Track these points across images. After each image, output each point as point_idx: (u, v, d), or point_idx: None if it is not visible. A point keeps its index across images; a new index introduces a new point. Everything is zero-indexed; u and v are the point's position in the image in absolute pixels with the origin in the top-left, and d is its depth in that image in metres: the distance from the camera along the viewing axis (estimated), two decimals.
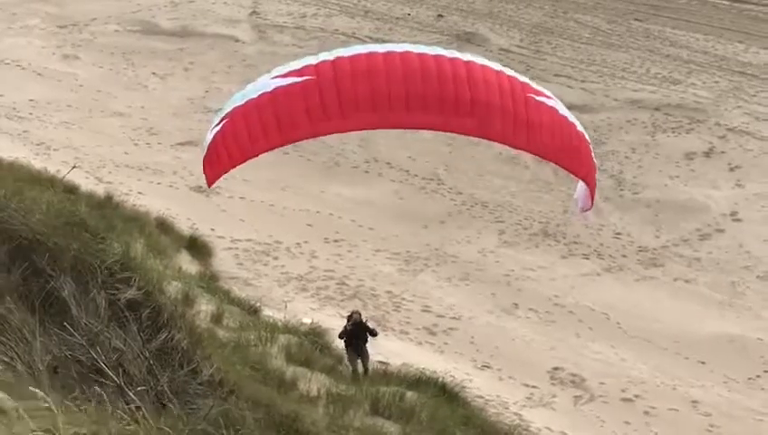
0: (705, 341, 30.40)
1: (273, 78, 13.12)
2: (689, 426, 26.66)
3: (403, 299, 31.54)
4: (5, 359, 8.02)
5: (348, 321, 21.62)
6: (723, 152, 41.71)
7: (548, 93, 14.02)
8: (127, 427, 7.09)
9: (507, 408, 25.29)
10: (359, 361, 21.24)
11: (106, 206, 27.35)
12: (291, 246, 34.32)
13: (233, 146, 13.40)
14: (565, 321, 31.27)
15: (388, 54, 13.00)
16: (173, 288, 18.51)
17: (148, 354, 10.16)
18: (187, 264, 27.07)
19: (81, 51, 50.51)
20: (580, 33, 53.31)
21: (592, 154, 14.86)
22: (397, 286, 32.29)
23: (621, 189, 39.35)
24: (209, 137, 13.56)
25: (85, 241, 11.62)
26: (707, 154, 41.64)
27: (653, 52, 51.15)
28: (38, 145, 40.04)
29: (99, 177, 36.63)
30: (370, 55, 13.05)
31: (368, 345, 21.87)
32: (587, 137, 14.70)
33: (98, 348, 9.53)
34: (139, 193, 35.40)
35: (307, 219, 36.39)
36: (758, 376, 29.05)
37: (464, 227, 36.63)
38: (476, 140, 46.01)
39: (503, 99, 13.12)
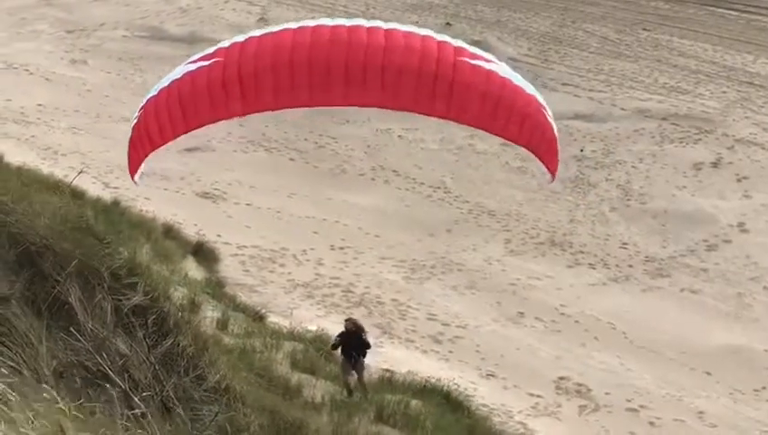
0: (711, 352, 30.33)
1: (186, 64, 12.89)
2: None
3: (409, 307, 31.51)
4: (11, 364, 8.03)
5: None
6: (730, 163, 41.66)
7: (489, 57, 12.87)
8: (133, 432, 7.09)
9: (512, 417, 25.26)
10: (353, 373, 19.35)
11: (113, 211, 27.31)
12: (297, 253, 34.31)
13: (144, 136, 13.12)
14: (571, 330, 31.21)
15: (299, 30, 12.44)
16: (179, 294, 18.51)
17: (153, 360, 10.17)
18: (194, 270, 27.05)
19: (90, 56, 50.67)
20: (588, 42, 53.32)
21: (548, 117, 13.36)
22: (402, 294, 32.26)
23: (628, 199, 39.32)
24: (130, 131, 13.27)
25: (92, 246, 11.64)
26: (715, 165, 41.60)
27: (661, 61, 51.14)
28: (45, 150, 40.12)
29: (106, 182, 36.68)
30: (281, 32, 12.53)
31: (366, 357, 19.81)
32: (540, 100, 13.28)
33: (104, 353, 9.54)
34: (146, 199, 35.34)
35: (313, 226, 36.39)
36: (764, 388, 28.98)
37: (470, 236, 36.59)
38: (482, 148, 45.83)
39: (423, 63, 12.20)
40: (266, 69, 12.20)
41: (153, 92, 13.00)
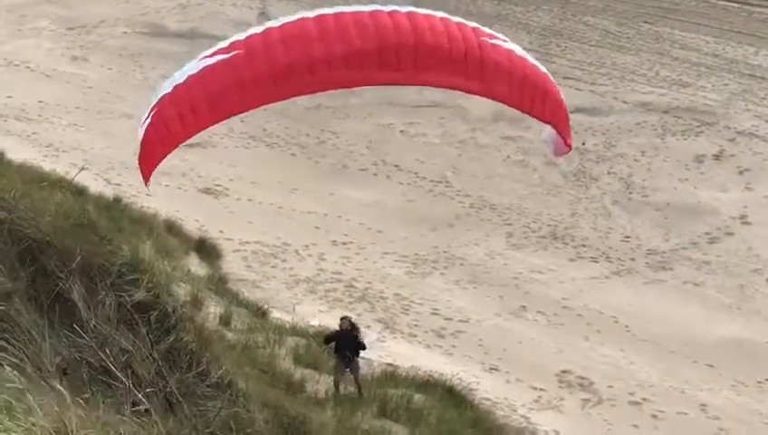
0: (713, 344, 30.35)
1: (200, 60, 12.57)
2: (698, 430, 26.63)
3: (411, 302, 31.53)
4: (15, 360, 8.04)
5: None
6: (732, 155, 41.66)
7: (503, 37, 13.07)
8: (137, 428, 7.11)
9: (515, 410, 25.29)
10: (347, 373, 18.75)
11: (114, 208, 27.37)
12: (299, 249, 34.34)
13: (165, 134, 12.79)
14: (573, 324, 31.23)
15: (319, 17, 12.31)
16: (181, 290, 18.54)
17: (156, 356, 10.17)
18: (196, 266, 27.08)
19: (90, 53, 50.63)
20: (589, 35, 53.30)
21: (561, 96, 13.76)
22: (405, 289, 32.28)
23: (630, 192, 39.33)
24: (141, 132, 12.80)
25: (94, 243, 11.64)
26: (717, 157, 41.61)
27: (662, 54, 51.10)
28: (47, 147, 40.11)
29: (107, 178, 36.65)
30: (301, 21, 12.39)
31: (361, 358, 19.23)
32: (552, 79, 13.67)
33: (107, 350, 9.54)
34: (147, 195, 35.26)
35: (315, 222, 36.41)
36: (767, 380, 29.01)
37: (472, 230, 36.61)
38: (484, 142, 45.76)
39: (452, 43, 12.36)
40: (299, 59, 12.07)
41: (167, 89, 12.76)
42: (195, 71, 12.46)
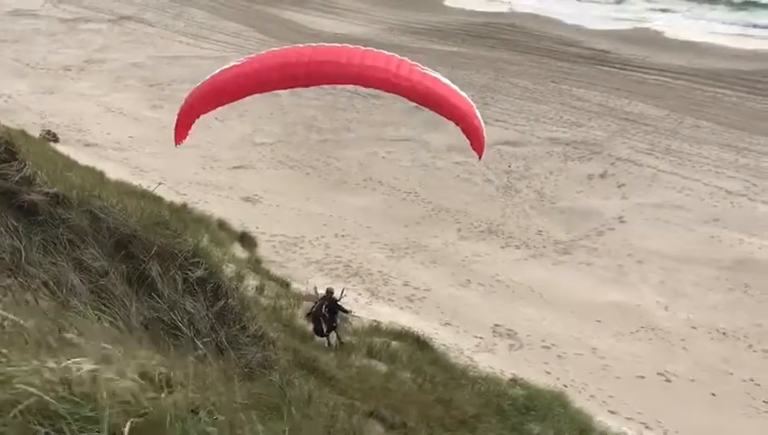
0: (600, 306, 30.46)
1: (221, 68, 13.37)
2: (590, 365, 26.72)
3: (390, 276, 31.50)
4: (111, 319, 7.95)
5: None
6: (613, 174, 41.78)
7: (434, 72, 12.74)
8: (197, 367, 7.02)
9: (462, 352, 25.29)
10: (325, 338, 17.60)
11: (182, 211, 27.23)
12: (312, 240, 34.26)
13: (188, 109, 13.79)
14: (503, 292, 31.28)
15: (301, 47, 12.75)
16: (229, 269, 18.44)
17: (211, 315, 10.10)
18: (239, 252, 26.99)
19: (165, 102, 50.23)
20: (513, 91, 53.34)
21: (474, 109, 13.09)
22: (386, 267, 32.26)
23: (542, 200, 39.39)
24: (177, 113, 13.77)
25: (167, 236, 11.53)
26: (602, 176, 41.71)
27: (564, 104, 51.19)
28: (135, 168, 39.88)
29: (177, 190, 36.48)
30: (288, 48, 12.96)
31: (348, 314, 18.13)
32: (469, 100, 13.13)
33: (176, 311, 9.46)
34: (205, 202, 35.26)
35: (323, 220, 36.34)
36: (637, 331, 29.13)
37: (432, 226, 36.61)
38: (441, 165, 45.08)
39: (388, 64, 12.31)
40: (272, 66, 12.61)
41: (198, 85, 13.50)
42: (215, 73, 13.15)
